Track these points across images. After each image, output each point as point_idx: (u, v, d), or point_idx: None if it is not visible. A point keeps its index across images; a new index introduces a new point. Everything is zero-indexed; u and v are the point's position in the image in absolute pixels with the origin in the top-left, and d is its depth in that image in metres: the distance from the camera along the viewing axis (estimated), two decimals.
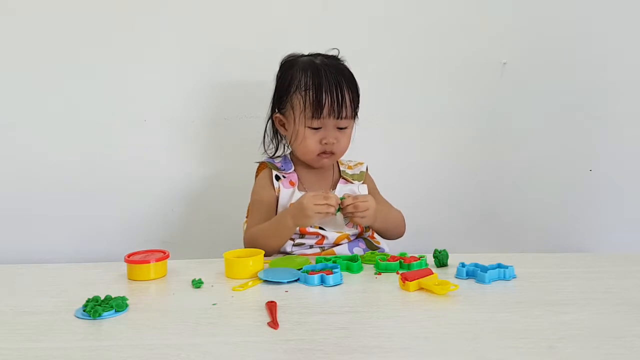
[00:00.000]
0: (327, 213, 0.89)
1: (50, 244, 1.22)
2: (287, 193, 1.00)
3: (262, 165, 1.08)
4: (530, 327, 0.61)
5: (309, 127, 0.97)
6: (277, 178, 1.02)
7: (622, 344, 0.57)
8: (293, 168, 1.04)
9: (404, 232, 1.04)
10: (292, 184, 1.02)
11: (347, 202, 0.91)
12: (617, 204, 1.28)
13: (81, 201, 1.22)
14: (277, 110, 1.03)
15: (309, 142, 0.97)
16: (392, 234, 1.03)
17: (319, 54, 1.02)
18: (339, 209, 0.91)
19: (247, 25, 1.20)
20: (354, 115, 1.00)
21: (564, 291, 0.73)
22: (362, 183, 1.05)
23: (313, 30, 1.20)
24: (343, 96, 0.95)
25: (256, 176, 1.08)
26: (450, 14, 1.23)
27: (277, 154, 1.08)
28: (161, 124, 1.22)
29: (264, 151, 1.08)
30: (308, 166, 1.04)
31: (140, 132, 1.21)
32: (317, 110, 0.94)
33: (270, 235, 0.94)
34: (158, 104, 1.21)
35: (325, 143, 0.97)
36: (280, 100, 1.01)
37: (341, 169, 1.06)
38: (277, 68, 1.03)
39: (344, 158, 1.08)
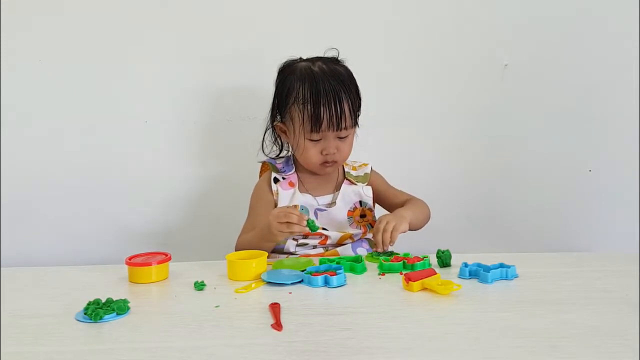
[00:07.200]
0: (291, 232, 0.85)
1: (51, 246, 1.21)
2: (287, 195, 1.00)
3: (264, 166, 1.08)
4: (532, 326, 0.61)
5: (309, 140, 0.96)
6: (276, 180, 1.01)
7: (623, 343, 0.57)
8: (293, 170, 1.04)
9: (430, 216, 1.04)
10: (291, 184, 1.01)
11: (376, 234, 0.89)
12: (617, 204, 1.28)
13: (81, 203, 1.22)
14: (277, 118, 1.02)
15: (310, 153, 0.97)
16: (424, 224, 1.02)
17: (318, 58, 1.00)
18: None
19: (248, 26, 1.20)
20: (354, 122, 0.99)
21: (565, 290, 0.73)
22: (366, 185, 1.04)
23: (313, 31, 1.19)
24: (342, 108, 0.93)
25: (260, 176, 1.07)
26: (451, 16, 1.23)
27: (280, 155, 1.07)
28: (162, 125, 1.21)
29: (262, 152, 1.07)
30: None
31: (141, 134, 1.21)
32: (315, 124, 0.93)
33: (254, 246, 0.91)
34: (158, 105, 1.21)
35: (327, 154, 0.97)
36: (279, 108, 1.00)
37: (346, 169, 1.06)
38: (277, 69, 1.02)
39: (348, 159, 1.08)
